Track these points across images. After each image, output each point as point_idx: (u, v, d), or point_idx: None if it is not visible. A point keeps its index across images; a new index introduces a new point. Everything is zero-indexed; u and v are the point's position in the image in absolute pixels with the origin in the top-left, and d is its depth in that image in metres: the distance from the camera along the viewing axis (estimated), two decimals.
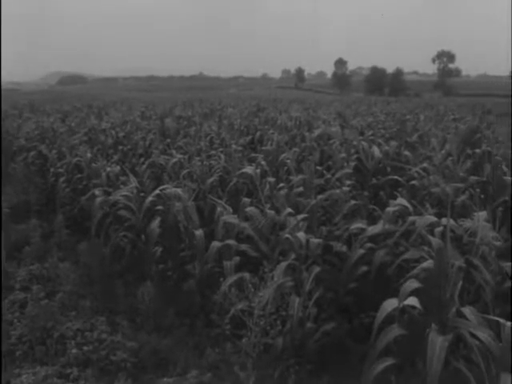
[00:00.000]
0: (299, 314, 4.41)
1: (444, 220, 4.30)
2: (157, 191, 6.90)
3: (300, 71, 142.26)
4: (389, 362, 3.58)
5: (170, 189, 6.66)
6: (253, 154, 9.66)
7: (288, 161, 8.48)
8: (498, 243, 4.66)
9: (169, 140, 11.54)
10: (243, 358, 4.04)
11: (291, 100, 41.06)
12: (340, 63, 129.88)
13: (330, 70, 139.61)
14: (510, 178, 7.27)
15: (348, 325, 5.03)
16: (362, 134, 12.34)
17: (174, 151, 9.58)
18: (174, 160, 8.75)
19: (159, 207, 6.72)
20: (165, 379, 4.49)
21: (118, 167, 8.40)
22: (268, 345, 4.28)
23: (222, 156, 8.90)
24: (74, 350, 4.74)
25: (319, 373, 4.66)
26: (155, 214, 6.65)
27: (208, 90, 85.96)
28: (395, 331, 3.56)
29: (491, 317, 3.53)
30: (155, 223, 6.37)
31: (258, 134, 12.65)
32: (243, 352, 3.99)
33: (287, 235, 4.85)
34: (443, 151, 8.94)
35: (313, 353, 4.67)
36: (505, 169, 7.88)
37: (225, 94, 64.05)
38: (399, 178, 7.79)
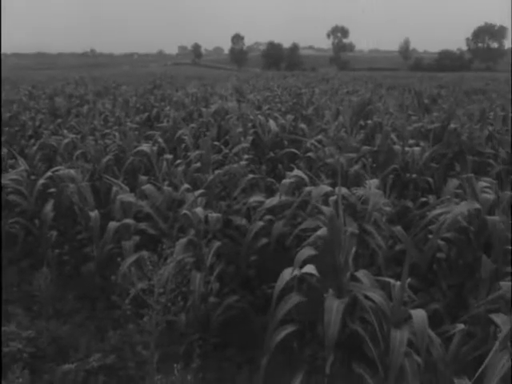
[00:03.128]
0: (201, 289, 4.40)
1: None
2: (49, 173, 6.63)
3: (197, 47, 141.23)
4: (290, 329, 3.67)
5: (62, 170, 6.40)
6: (149, 132, 9.50)
7: (185, 137, 8.39)
8: (388, 209, 4.89)
9: (60, 120, 11.07)
10: (146, 337, 3.98)
11: (188, 76, 40.66)
12: (237, 39, 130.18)
13: (227, 46, 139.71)
14: (398, 147, 7.63)
15: (251, 297, 5.09)
16: (259, 108, 12.44)
17: (65, 131, 9.21)
18: (67, 140, 8.40)
19: (52, 190, 6.45)
20: (66, 365, 4.32)
21: (5, 150, 7.93)
22: (171, 322, 4.26)
23: (117, 134, 8.66)
24: None
25: (224, 346, 4.72)
26: (48, 197, 6.38)
27: (101, 68, 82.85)
28: (294, 299, 3.65)
29: (383, 278, 3.70)
30: (48, 207, 6.11)
31: (155, 111, 12.44)
32: (146, 331, 3.93)
33: (185, 211, 4.81)
34: (336, 123, 9.21)
35: (217, 327, 4.70)
36: (394, 138, 8.25)
37: (119, 72, 62.09)
38: (296, 151, 7.95)
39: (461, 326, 3.44)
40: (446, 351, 3.40)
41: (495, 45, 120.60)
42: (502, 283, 3.26)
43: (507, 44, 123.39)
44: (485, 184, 5.12)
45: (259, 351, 3.81)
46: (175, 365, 3.73)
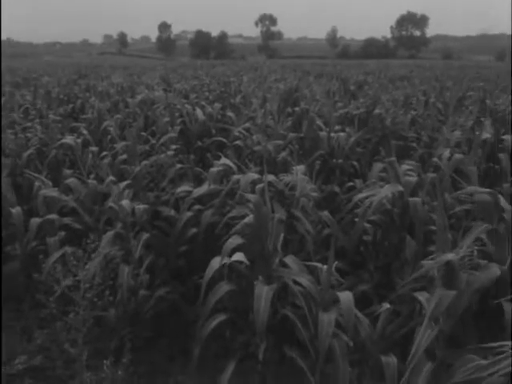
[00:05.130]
0: (130, 282, 4.31)
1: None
2: None
3: (123, 36, 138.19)
4: (221, 317, 3.66)
5: None
6: (74, 124, 9.20)
7: (111, 128, 8.19)
8: (315, 194, 4.96)
9: None
10: (74, 335, 3.87)
11: (114, 66, 39.75)
12: (164, 27, 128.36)
13: (154, 35, 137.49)
14: (325, 133, 7.72)
15: (182, 288, 5.04)
16: (186, 97, 12.32)
17: None
18: None
19: None
20: None
21: None
22: (101, 318, 4.16)
23: (39, 127, 8.33)
24: None
25: (156, 338, 4.66)
26: None
27: (20, 58, 79.02)
28: (224, 288, 3.64)
29: (310, 263, 3.75)
30: None
31: (79, 102, 12.08)
32: (73, 328, 3.82)
33: (111, 204, 4.70)
34: (263, 110, 9.23)
35: (148, 320, 4.62)
36: (320, 124, 8.34)
37: (40, 62, 59.78)
38: (224, 140, 7.92)
39: (387, 306, 3.53)
40: (373, 331, 3.49)
41: (417, 33, 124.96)
42: (424, 262, 3.35)
43: (429, 32, 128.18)
44: (407, 167, 5.26)
45: (192, 342, 3.78)
46: (105, 361, 3.64)
